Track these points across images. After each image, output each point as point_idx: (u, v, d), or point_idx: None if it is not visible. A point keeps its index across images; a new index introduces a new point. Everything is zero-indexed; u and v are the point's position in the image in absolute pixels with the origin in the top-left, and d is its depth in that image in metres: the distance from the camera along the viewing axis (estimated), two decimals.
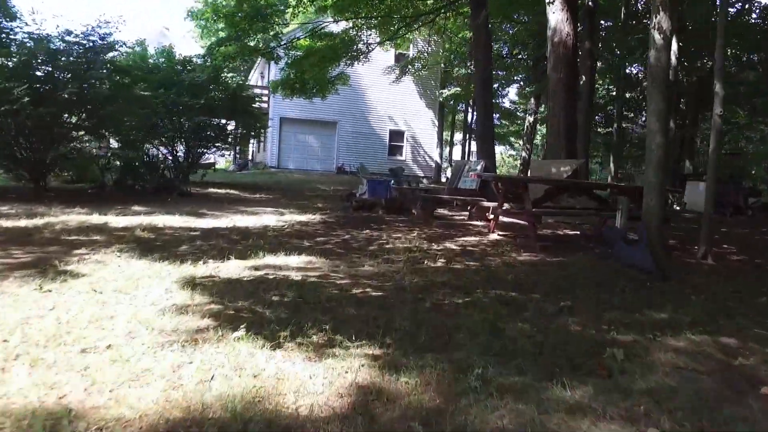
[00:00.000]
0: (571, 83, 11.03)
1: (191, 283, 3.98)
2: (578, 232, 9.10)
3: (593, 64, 16.49)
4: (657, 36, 5.78)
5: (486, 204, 9.39)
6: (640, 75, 27.11)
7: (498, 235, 7.89)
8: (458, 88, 29.11)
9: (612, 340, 3.25)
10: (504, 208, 7.90)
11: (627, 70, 24.56)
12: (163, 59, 16.12)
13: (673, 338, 3.34)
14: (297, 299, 3.76)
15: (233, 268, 4.65)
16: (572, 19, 10.76)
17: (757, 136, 28.05)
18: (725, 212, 14.66)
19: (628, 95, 25.27)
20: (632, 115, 27.49)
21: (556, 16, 10.67)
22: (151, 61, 15.91)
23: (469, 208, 10.39)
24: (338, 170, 25.48)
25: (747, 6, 20.91)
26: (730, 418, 2.29)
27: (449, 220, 9.89)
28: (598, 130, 28.53)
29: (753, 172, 27.53)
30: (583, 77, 13.84)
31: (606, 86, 27.13)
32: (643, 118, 27.74)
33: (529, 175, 15.59)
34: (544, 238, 7.81)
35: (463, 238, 7.50)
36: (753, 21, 20.98)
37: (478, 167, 11.27)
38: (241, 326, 2.97)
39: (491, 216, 8.98)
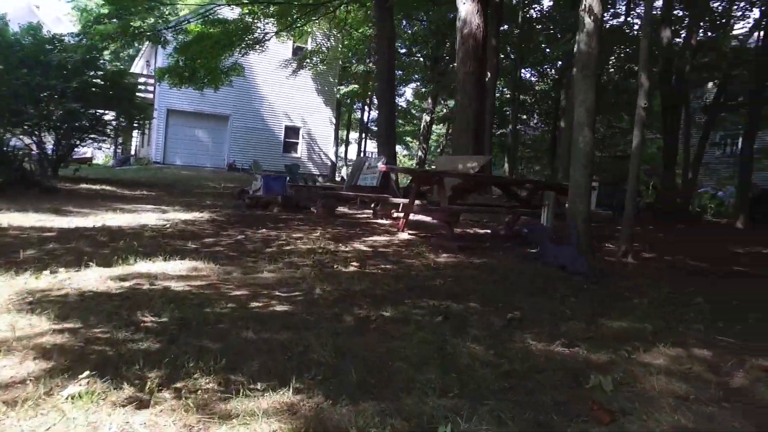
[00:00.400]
0: (480, 77, 10.64)
1: (23, 302, 2.88)
2: (488, 231, 8.70)
3: (498, 62, 16.44)
4: (587, 19, 5.37)
5: (395, 201, 8.74)
6: (533, 79, 27.96)
7: (408, 234, 7.25)
8: (356, 86, 28.45)
9: (585, 360, 2.64)
10: (415, 204, 7.28)
11: (521, 74, 25.16)
12: (30, 37, 14.03)
13: (647, 354, 2.83)
14: (177, 320, 2.81)
15: (92, 279, 3.57)
16: (483, 11, 10.37)
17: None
18: (615, 212, 15.11)
19: (522, 98, 25.88)
20: (525, 117, 28.26)
21: (467, 7, 10.23)
22: (12, 38, 13.79)
23: (373, 205, 9.71)
24: (230, 167, 23.87)
25: (628, 18, 21.96)
26: None
27: (351, 219, 9.13)
28: (491, 131, 29.17)
29: None
30: (489, 74, 13.61)
31: (500, 88, 27.72)
32: (535, 120, 28.65)
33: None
34: (458, 237, 7.27)
35: (371, 238, 6.78)
36: (635, 34, 22.06)
37: (379, 164, 10.63)
38: (84, 373, 1.96)
39: (399, 214, 8.33)
